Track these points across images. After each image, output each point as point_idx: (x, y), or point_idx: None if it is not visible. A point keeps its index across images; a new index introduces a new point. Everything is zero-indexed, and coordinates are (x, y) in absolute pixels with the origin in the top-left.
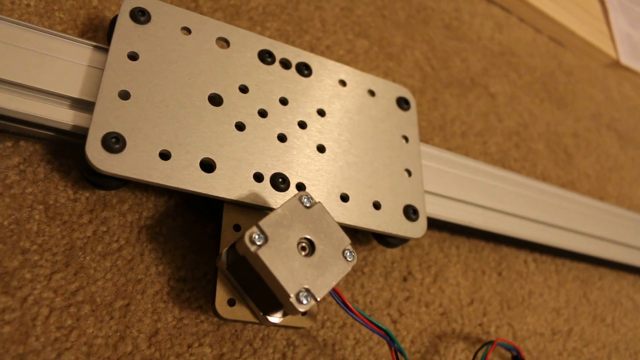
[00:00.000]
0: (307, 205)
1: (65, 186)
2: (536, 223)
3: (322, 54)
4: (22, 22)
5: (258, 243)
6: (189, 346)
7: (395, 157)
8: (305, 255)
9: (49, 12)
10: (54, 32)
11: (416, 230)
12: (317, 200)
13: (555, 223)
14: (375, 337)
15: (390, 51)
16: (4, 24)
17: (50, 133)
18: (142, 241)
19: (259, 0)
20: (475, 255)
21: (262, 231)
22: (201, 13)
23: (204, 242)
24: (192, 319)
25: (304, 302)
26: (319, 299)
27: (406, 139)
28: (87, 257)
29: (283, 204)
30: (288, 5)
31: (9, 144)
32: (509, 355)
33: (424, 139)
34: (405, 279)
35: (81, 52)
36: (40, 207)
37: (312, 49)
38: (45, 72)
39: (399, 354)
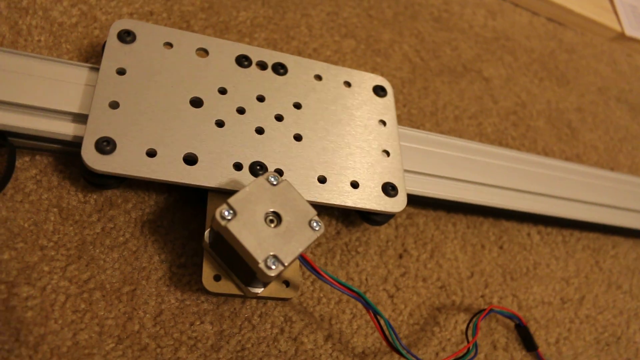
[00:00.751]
0: (274, 183)
1: (75, 191)
2: (537, 195)
3: (309, 57)
4: (27, 53)
5: (228, 218)
6: (191, 324)
7: (372, 140)
8: (273, 227)
9: (57, 45)
10: (55, 58)
11: (395, 205)
12: (296, 183)
13: (559, 194)
14: None
15: (377, 48)
16: (13, 56)
17: (56, 145)
18: (145, 234)
19: (246, 14)
20: (474, 230)
21: (230, 207)
22: (193, 31)
23: (201, 232)
24: (193, 300)
25: (272, 267)
26: (286, 264)
27: (384, 123)
28: (97, 250)
29: (250, 183)
30: (275, 16)
31: (27, 158)
32: (512, 325)
33: (415, 125)
34: (400, 256)
35: (78, 74)
36: (55, 210)
37: (300, 54)
38: (48, 93)
39: (378, 317)
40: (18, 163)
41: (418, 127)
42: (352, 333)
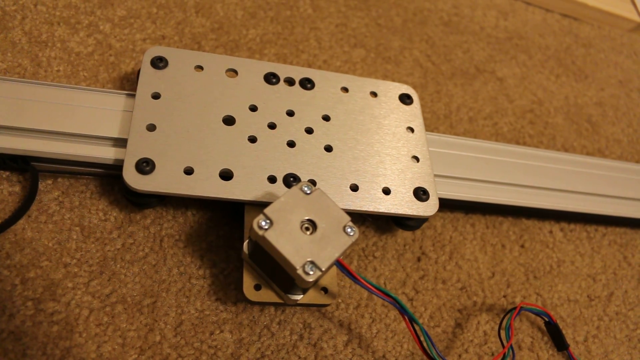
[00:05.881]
0: (308, 192)
1: (96, 210)
2: (558, 192)
3: (319, 68)
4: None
5: (265, 227)
6: (211, 333)
7: (401, 147)
8: (309, 234)
9: (74, 73)
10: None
11: (428, 208)
12: (329, 192)
13: (582, 190)
14: (392, 314)
15: (387, 55)
16: (42, 87)
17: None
18: (164, 248)
19: (256, 32)
20: (493, 230)
21: (267, 217)
22: (204, 51)
23: (219, 243)
24: (212, 310)
25: (310, 272)
26: (324, 269)
27: (412, 129)
28: (118, 265)
29: (285, 193)
30: (284, 32)
31: (50, 181)
32: (541, 322)
33: (429, 129)
34: (419, 259)
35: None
36: (77, 228)
37: (310, 66)
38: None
39: (414, 323)
40: (41, 186)
41: (432, 131)
42: (372, 337)
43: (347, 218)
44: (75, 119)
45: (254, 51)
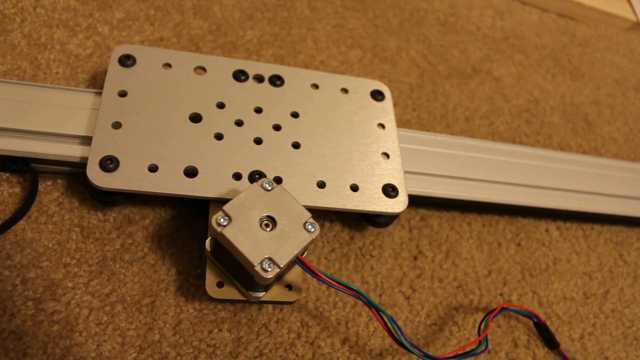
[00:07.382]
0: (268, 188)
1: (95, 210)
2: (554, 190)
3: (316, 69)
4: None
5: (223, 224)
6: (210, 332)
7: (370, 143)
8: (268, 231)
9: (74, 75)
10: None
11: (396, 205)
12: (296, 189)
13: (578, 188)
14: (389, 312)
15: (384, 56)
16: (22, 87)
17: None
18: (163, 248)
19: (253, 33)
20: (490, 229)
21: (226, 214)
22: (202, 53)
23: None
24: (211, 309)
25: (268, 269)
26: (282, 266)
27: (382, 126)
28: (117, 265)
29: (245, 189)
30: (281, 33)
31: (49, 182)
32: (531, 323)
33: (425, 128)
34: (415, 258)
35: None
36: (77, 229)
37: (307, 67)
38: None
39: (381, 313)
40: (41, 187)
41: (428, 130)
42: (369, 335)
43: (308, 215)
44: (73, 120)
45: (251, 52)
